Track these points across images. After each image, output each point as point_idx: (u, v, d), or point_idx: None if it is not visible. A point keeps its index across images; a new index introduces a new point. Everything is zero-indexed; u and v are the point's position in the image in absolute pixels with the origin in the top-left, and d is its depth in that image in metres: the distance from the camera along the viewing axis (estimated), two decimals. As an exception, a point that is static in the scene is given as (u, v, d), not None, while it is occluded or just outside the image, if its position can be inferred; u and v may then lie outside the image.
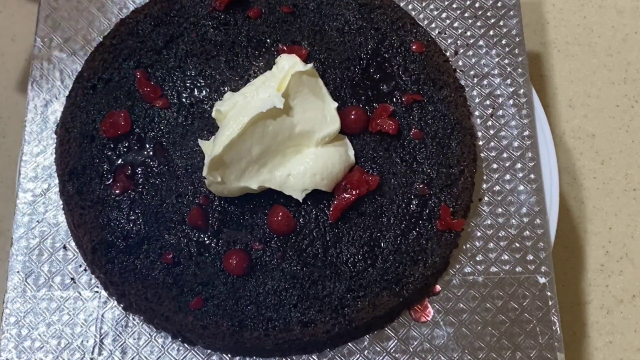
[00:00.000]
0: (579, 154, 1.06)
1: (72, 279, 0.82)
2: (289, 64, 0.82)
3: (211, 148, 0.78)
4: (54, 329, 0.80)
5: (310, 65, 0.82)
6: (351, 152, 0.83)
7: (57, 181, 0.86)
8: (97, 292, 0.82)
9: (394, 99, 0.87)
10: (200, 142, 0.81)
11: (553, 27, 1.13)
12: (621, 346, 0.97)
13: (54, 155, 0.87)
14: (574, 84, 1.10)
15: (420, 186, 0.83)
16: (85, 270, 0.83)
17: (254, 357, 0.80)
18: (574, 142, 1.07)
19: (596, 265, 1.01)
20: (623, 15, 1.14)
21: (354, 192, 0.82)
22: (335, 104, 0.83)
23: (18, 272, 0.83)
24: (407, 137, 0.86)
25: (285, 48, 0.88)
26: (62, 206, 0.85)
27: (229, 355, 0.80)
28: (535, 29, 1.13)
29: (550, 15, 1.14)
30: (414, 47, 0.90)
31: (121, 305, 0.81)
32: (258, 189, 0.80)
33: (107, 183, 0.83)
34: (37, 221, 0.85)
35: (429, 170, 0.84)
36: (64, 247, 0.84)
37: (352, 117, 0.85)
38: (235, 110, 0.80)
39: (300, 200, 0.81)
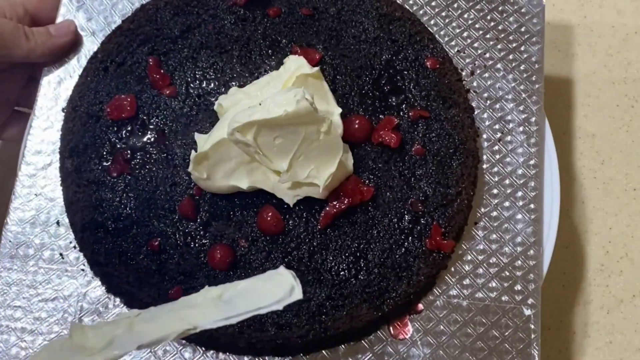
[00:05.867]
0: (579, 154, 1.05)
1: (61, 254, 0.83)
2: (295, 66, 0.82)
3: (203, 143, 0.79)
4: (36, 301, 0.81)
5: (316, 69, 0.81)
6: (350, 161, 0.83)
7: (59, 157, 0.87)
8: (83, 270, 0.83)
9: (401, 113, 0.86)
10: (197, 135, 0.82)
11: (553, 27, 1.12)
12: (621, 346, 0.96)
13: (60, 132, 0.88)
14: (574, 84, 1.09)
15: (415, 202, 0.82)
16: (74, 247, 0.84)
17: (227, 354, 0.80)
18: (574, 142, 1.06)
19: (596, 265, 1.01)
20: (623, 15, 1.13)
21: (346, 201, 0.81)
22: (340, 110, 0.83)
23: (10, 241, 0.84)
24: (408, 152, 0.85)
25: (298, 49, 0.88)
26: (60, 182, 0.86)
27: (203, 348, 0.80)
28: (535, 29, 1.13)
29: (550, 15, 1.13)
30: (428, 63, 0.89)
31: (104, 286, 0.82)
32: (248, 189, 0.80)
33: (105, 164, 0.84)
34: (35, 194, 0.86)
35: (425, 188, 0.83)
36: (57, 222, 0.85)
37: (356, 126, 0.85)
38: (236, 108, 0.80)
39: (292, 205, 0.80)
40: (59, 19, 0.94)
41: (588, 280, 0.99)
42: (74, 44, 0.92)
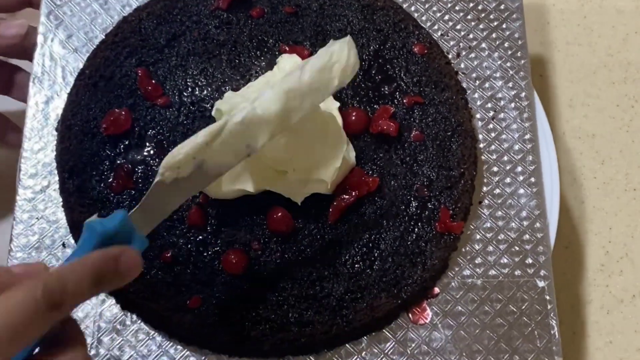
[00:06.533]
0: (579, 154, 1.06)
1: (71, 276, 0.82)
2: (289, 64, 0.82)
3: None
4: (52, 326, 0.80)
5: None
6: (352, 154, 0.83)
7: (57, 178, 0.86)
8: (95, 289, 0.82)
9: (395, 101, 0.87)
10: None
11: (553, 27, 1.13)
12: (621, 346, 0.97)
13: (55, 152, 0.87)
14: (574, 84, 1.10)
15: (420, 188, 0.83)
16: (84, 267, 0.83)
17: (252, 357, 0.80)
18: (574, 142, 1.07)
19: (596, 265, 1.01)
20: (623, 15, 1.15)
21: (353, 193, 0.81)
22: (337, 104, 0.83)
23: (17, 268, 0.82)
24: (407, 139, 0.86)
25: (287, 48, 0.88)
26: (61, 203, 0.85)
27: (226, 356, 0.79)
28: (535, 29, 1.13)
29: (550, 15, 1.15)
30: (416, 49, 0.90)
31: (119, 303, 0.81)
32: (255, 192, 0.80)
33: (107, 181, 0.83)
34: (37, 218, 0.85)
35: (429, 173, 0.84)
36: (63, 244, 0.83)
37: (353, 118, 0.85)
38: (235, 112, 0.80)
39: (299, 203, 0.81)
40: (39, 38, 0.92)
41: (588, 280, 1.00)
42: (25, 48, 0.92)
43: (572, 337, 0.97)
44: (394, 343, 0.80)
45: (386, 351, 0.80)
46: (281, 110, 0.68)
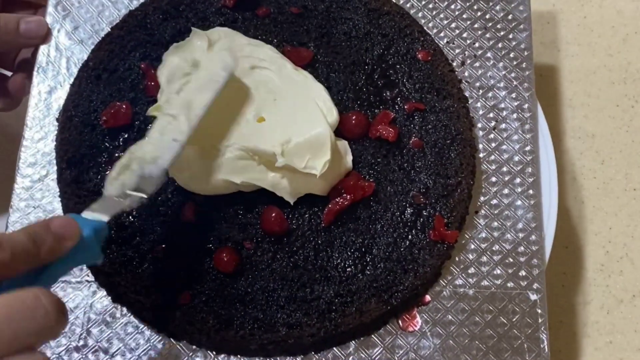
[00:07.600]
0: (579, 154, 1.06)
1: (64, 266, 0.83)
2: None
3: None
4: (42, 315, 0.81)
5: None
6: (349, 158, 0.83)
7: (56, 168, 0.86)
8: (88, 281, 0.82)
9: (396, 106, 0.87)
10: None
11: (553, 27, 1.13)
12: (621, 346, 0.97)
13: (55, 143, 0.87)
14: (574, 84, 1.10)
15: (416, 195, 0.83)
16: (77, 258, 0.83)
17: (239, 356, 0.80)
18: (574, 142, 1.07)
19: (596, 265, 1.01)
20: (623, 15, 1.14)
21: (348, 197, 0.81)
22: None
23: (11, 256, 0.83)
24: (406, 145, 0.85)
25: (289, 48, 0.88)
26: (59, 193, 0.85)
27: (214, 353, 0.79)
28: (534, 29, 1.13)
29: (550, 15, 1.14)
30: (419, 56, 0.89)
31: (110, 296, 0.81)
32: (243, 185, 0.79)
33: (104, 173, 0.83)
34: (34, 207, 0.85)
35: (426, 180, 0.84)
36: (58, 234, 0.84)
37: (353, 121, 0.85)
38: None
39: (292, 203, 0.80)
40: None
41: (588, 280, 1.00)
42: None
43: (572, 337, 0.97)
44: (381, 349, 0.80)
45: (374, 357, 0.79)
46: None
